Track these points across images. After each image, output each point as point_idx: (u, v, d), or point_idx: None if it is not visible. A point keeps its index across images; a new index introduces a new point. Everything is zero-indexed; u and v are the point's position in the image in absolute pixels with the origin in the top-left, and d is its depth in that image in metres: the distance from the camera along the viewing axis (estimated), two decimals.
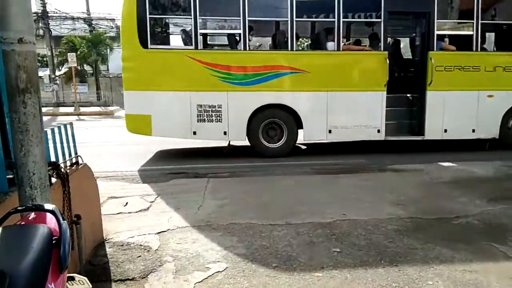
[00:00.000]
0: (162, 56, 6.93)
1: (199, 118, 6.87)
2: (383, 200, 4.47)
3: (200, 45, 7.03)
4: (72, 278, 1.50)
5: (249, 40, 7.04)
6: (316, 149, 8.18)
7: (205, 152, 7.98)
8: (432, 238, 3.39)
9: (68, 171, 2.75)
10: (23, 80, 1.96)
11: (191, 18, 6.72)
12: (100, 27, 29.29)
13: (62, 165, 2.78)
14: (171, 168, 6.38)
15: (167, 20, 7.93)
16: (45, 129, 2.22)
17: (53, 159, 2.74)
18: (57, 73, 27.15)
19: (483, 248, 3.19)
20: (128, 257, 3.10)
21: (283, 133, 7.24)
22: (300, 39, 6.89)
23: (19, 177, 2.04)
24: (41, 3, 22.90)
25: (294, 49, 7.09)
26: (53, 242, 1.22)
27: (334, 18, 6.93)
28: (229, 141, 7.87)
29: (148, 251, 3.20)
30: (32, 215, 1.39)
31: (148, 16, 6.61)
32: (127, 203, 4.48)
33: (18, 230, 1.27)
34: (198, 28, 6.77)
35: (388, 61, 6.99)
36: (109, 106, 24.92)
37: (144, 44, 6.64)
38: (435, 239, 3.37)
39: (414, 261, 2.96)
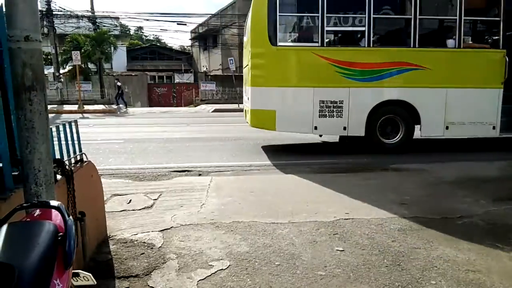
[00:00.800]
0: (289, 53, 7.17)
1: (320, 113, 7.04)
2: (386, 200, 4.46)
3: (325, 42, 7.14)
4: (77, 274, 1.51)
5: (372, 37, 7.15)
6: (318, 149, 8.17)
7: (208, 150, 7.99)
8: (436, 237, 3.39)
9: (72, 168, 2.76)
10: (29, 77, 1.97)
11: (318, 16, 6.92)
12: (104, 26, 29.41)
13: (67, 162, 2.79)
14: (174, 166, 6.39)
15: (294, 18, 8.07)
16: (50, 127, 2.23)
17: (58, 156, 2.76)
18: (62, 71, 27.24)
19: (486, 248, 3.18)
20: (132, 254, 3.11)
21: (399, 129, 7.36)
22: (421, 36, 7.10)
23: (25, 174, 2.05)
24: (45, 2, 22.96)
25: (417, 46, 7.10)
26: (59, 238, 1.23)
27: (456, 16, 7.02)
28: (320, 135, 8.18)
29: (152, 248, 3.22)
30: (38, 211, 1.40)
31: (278, 14, 6.84)
32: (130, 200, 4.50)
33: (24, 226, 1.28)
34: (325, 25, 6.94)
35: (507, 59, 7.02)
36: (112, 104, 25.00)
37: (273, 42, 6.89)
38: (438, 238, 3.37)
39: (417, 260, 2.96)
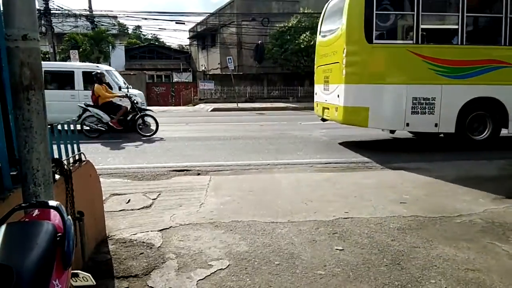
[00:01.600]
0: (384, 51, 7.25)
1: (413, 110, 7.14)
2: (385, 199, 4.46)
3: (420, 40, 7.20)
4: (76, 275, 1.51)
5: (465, 35, 7.22)
6: (319, 147, 8.17)
7: (207, 149, 7.98)
8: (435, 236, 3.39)
9: (71, 168, 2.75)
10: (27, 77, 1.96)
11: (413, 14, 7.05)
12: (103, 25, 29.35)
13: (65, 162, 2.78)
14: (173, 165, 6.38)
15: (389, 16, 8.10)
16: (48, 126, 2.22)
17: (56, 156, 2.75)
18: None
19: (486, 247, 3.18)
20: (131, 254, 3.10)
21: (486, 126, 7.49)
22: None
23: (23, 174, 2.04)
24: (43, 0, 22.90)
25: (507, 44, 7.17)
26: (58, 238, 1.22)
27: None
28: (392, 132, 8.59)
29: (151, 248, 3.21)
30: (36, 211, 1.38)
31: (374, 12, 6.96)
32: (129, 200, 4.49)
33: (23, 226, 1.27)
34: (420, 23, 7.03)
35: None
36: None
37: (369, 39, 6.98)
38: (438, 237, 3.37)
39: (416, 259, 2.96)
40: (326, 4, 8.94)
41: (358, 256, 3.03)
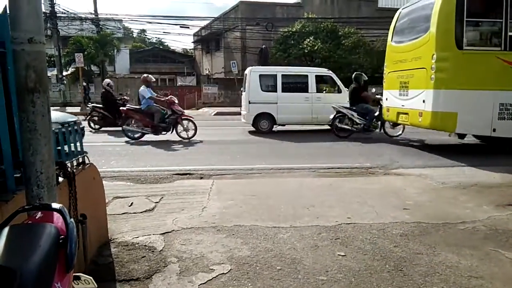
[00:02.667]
0: (473, 57, 7.33)
1: (500, 116, 7.25)
2: (388, 204, 4.45)
3: (508, 47, 7.28)
4: (78, 278, 1.50)
5: None
6: (321, 152, 8.16)
7: (210, 153, 7.99)
8: (438, 243, 3.37)
9: (74, 170, 2.76)
10: (32, 79, 1.98)
11: (502, 21, 7.21)
12: (108, 28, 29.50)
13: (68, 164, 2.79)
14: (176, 169, 6.39)
15: (479, 23, 8.21)
16: (52, 129, 2.23)
17: (60, 158, 2.76)
18: (64, 73, 27.34)
19: (489, 254, 3.16)
20: (133, 257, 3.10)
21: None
22: None
23: (27, 176, 2.05)
24: (49, 4, 23.08)
25: None
26: (60, 241, 1.22)
27: None
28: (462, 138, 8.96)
29: (153, 251, 3.21)
30: (39, 214, 1.39)
31: (465, 18, 7.15)
32: (132, 203, 4.49)
33: (26, 229, 1.28)
34: (509, 30, 7.16)
35: None
36: None
37: (459, 46, 7.19)
38: (440, 244, 3.35)
39: (419, 266, 2.94)
40: (399, 11, 9.20)
41: (361, 262, 3.02)
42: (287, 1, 31.64)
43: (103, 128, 12.22)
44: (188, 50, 48.26)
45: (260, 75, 11.53)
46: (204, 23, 33.87)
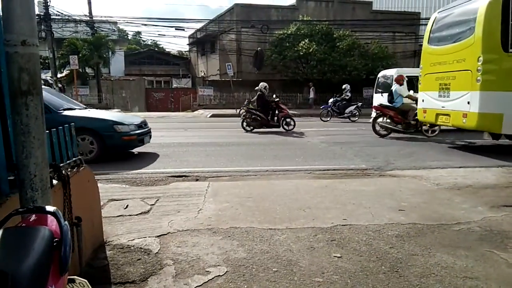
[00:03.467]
0: None
1: None
2: (383, 206, 4.46)
3: None
4: (73, 281, 1.49)
5: None
6: (316, 154, 8.17)
7: (205, 155, 7.98)
8: (433, 244, 3.38)
9: (69, 173, 2.75)
10: (25, 82, 1.96)
11: None
12: (102, 30, 29.44)
13: (63, 167, 2.78)
14: (172, 171, 6.37)
15: None
16: (46, 131, 2.21)
17: (54, 161, 2.74)
18: (59, 75, 27.22)
19: (484, 255, 3.17)
20: (128, 260, 3.08)
21: None
22: None
23: (21, 179, 2.04)
24: (43, 6, 22.98)
25: None
26: (54, 244, 1.21)
27: None
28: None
29: (148, 254, 3.19)
30: (33, 217, 1.38)
31: (510, 22, 7.30)
32: (127, 205, 4.47)
33: (19, 231, 1.26)
34: None
35: None
36: (110, 108, 24.96)
37: (505, 48, 7.35)
38: (436, 245, 3.36)
39: (415, 267, 2.95)
40: (434, 15, 9.31)
41: (357, 263, 3.02)
42: (282, 4, 31.71)
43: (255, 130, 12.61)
44: (184, 52, 48.28)
45: None
46: (199, 25, 33.84)
